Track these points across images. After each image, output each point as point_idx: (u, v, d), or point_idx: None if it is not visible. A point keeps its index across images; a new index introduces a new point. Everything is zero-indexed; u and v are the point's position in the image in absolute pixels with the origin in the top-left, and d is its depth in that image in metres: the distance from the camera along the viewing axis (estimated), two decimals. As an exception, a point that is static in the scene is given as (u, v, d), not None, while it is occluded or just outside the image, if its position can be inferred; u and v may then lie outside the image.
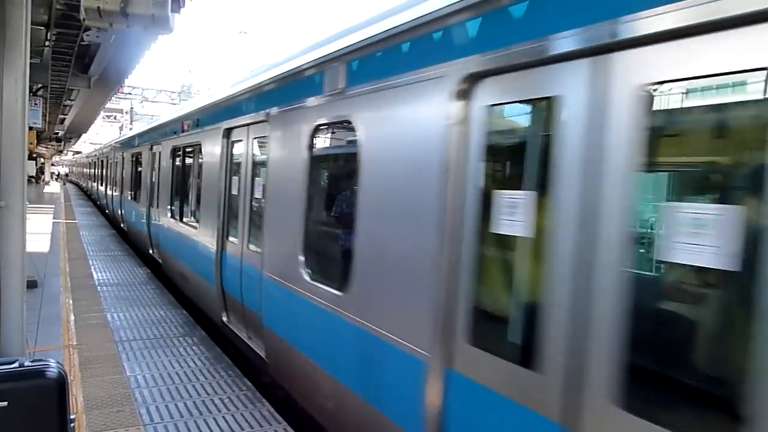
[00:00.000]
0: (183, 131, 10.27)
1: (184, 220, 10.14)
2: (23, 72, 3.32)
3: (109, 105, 37.26)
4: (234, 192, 7.24)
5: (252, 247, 6.48)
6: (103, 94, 22.56)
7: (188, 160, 10.62)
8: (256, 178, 6.55)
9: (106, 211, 25.01)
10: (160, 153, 12.41)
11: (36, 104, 17.08)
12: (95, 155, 36.01)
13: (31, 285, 9.21)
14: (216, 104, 8.20)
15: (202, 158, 8.84)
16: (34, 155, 49.14)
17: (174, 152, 11.16)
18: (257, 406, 5.47)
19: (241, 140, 7.05)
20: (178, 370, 6.32)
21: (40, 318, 7.94)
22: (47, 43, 12.01)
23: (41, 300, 8.92)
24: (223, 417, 5.19)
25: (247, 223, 6.69)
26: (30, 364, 3.13)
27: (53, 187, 55.82)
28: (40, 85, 16.38)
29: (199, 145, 8.98)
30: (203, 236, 8.34)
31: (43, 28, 10.96)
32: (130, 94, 44.31)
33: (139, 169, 15.51)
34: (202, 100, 9.42)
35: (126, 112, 54.10)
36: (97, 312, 8.62)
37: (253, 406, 5.45)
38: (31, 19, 3.40)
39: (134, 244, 15.94)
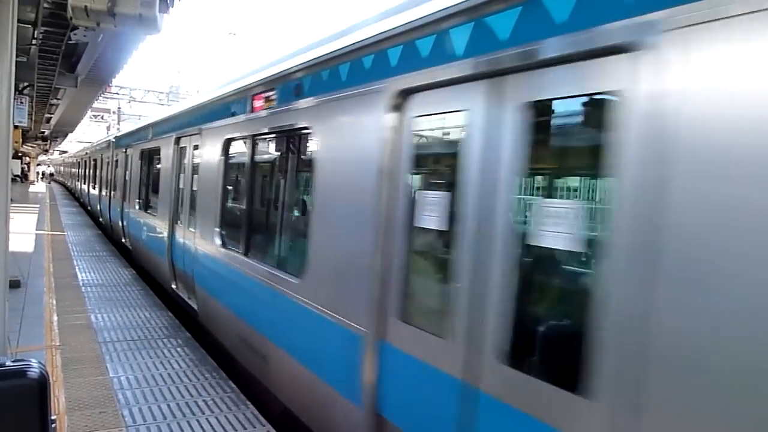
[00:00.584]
0: (252, 110, 6.25)
1: (263, 257, 6.08)
2: (9, 70, 3.31)
3: (96, 105, 37.07)
4: (472, 227, 3.11)
5: (523, 379, 2.74)
6: (90, 93, 22.41)
7: (265, 157, 6.69)
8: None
9: (100, 220, 21.08)
10: (196, 147, 8.54)
11: (22, 103, 16.91)
12: (86, 153, 31.81)
13: (14, 285, 9.13)
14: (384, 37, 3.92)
15: (307, 152, 5.24)
16: (20, 154, 48.71)
17: (228, 146, 7.13)
18: (241, 408, 5.46)
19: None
20: (162, 371, 6.29)
21: (23, 318, 7.86)
22: (34, 42, 11.91)
23: (24, 300, 8.83)
24: (207, 419, 5.17)
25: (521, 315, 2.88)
26: (11, 364, 3.09)
27: (39, 187, 55.29)
28: (26, 84, 16.24)
29: (303, 133, 5.32)
30: (325, 302, 4.44)
31: (30, 26, 10.86)
32: (117, 94, 44.00)
33: (154, 170, 11.98)
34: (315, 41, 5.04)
35: (113, 112, 53.74)
36: (80, 313, 8.54)
37: (237, 409, 5.43)
38: (17, 17, 3.39)
39: (142, 266, 12.60)
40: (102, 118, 59.30)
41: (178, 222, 9.28)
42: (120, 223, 15.43)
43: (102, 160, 21.84)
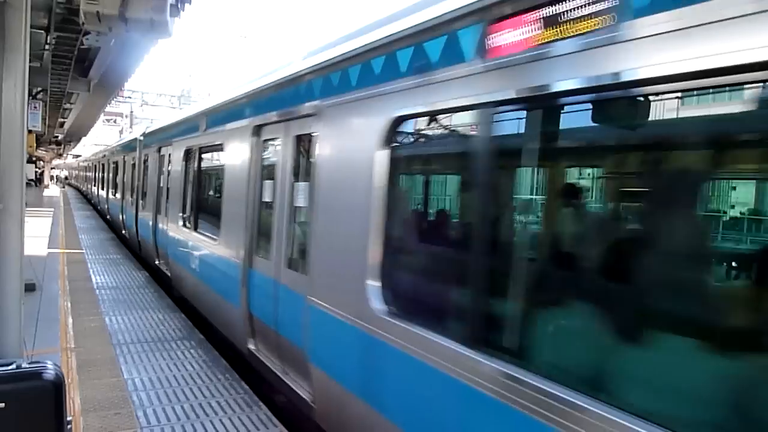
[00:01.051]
0: (486, 53, 3.05)
1: (553, 368, 2.72)
2: (23, 75, 3.35)
3: (109, 108, 37.29)
4: None
5: None
6: (103, 97, 22.56)
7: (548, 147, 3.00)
8: None
9: (123, 232, 17.87)
10: (302, 139, 5.64)
11: (35, 107, 17.07)
12: (103, 156, 28.48)
13: (30, 288, 9.22)
14: None
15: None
16: (34, 158, 49.23)
17: (397, 129, 3.94)
18: (254, 409, 5.48)
19: None
20: (176, 373, 6.33)
21: (39, 321, 7.94)
22: (47, 47, 12.02)
23: (39, 303, 8.92)
24: (220, 420, 5.20)
25: None
26: (27, 366, 3.15)
27: (53, 191, 55.85)
28: (39, 89, 16.41)
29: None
30: None
31: (42, 31, 10.97)
32: (130, 97, 44.47)
33: (208, 174, 9.22)
34: None
35: (126, 116, 54.18)
36: (95, 315, 8.62)
37: (249, 410, 5.45)
38: (30, 23, 3.43)
39: (187, 300, 9.70)
40: (115, 121, 59.80)
41: (261, 254, 6.35)
42: (152, 241, 12.33)
43: (125, 162, 18.46)
